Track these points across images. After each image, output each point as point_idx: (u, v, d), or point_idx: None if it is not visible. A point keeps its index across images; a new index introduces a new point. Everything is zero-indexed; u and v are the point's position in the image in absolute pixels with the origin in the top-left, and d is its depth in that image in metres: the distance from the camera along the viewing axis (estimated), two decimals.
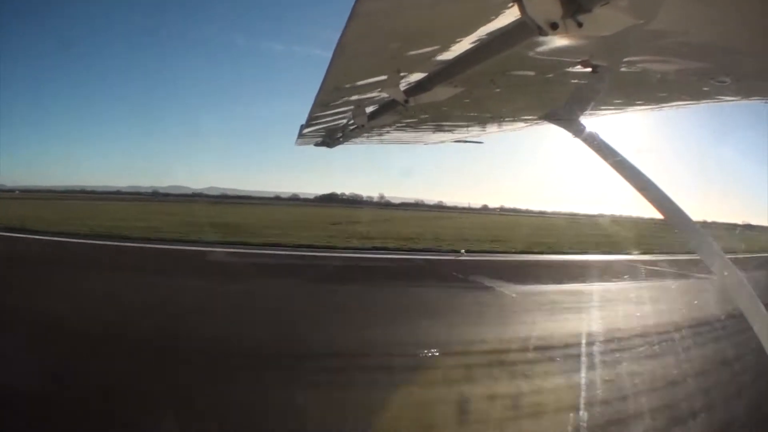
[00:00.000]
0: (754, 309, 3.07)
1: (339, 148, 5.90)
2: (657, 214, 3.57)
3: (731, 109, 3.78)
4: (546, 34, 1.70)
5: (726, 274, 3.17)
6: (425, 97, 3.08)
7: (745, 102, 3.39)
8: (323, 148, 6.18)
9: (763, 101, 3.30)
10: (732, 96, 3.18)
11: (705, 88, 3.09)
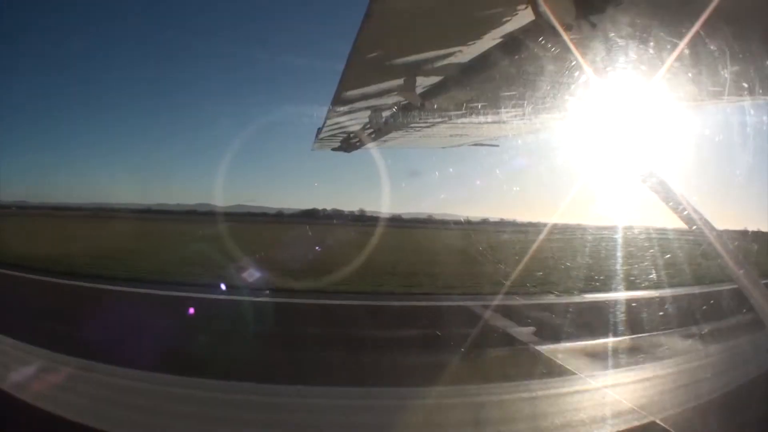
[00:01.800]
0: None
1: (336, 163, 5.92)
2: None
3: (742, 108, 3.72)
4: (560, 36, 1.72)
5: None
6: (441, 100, 3.11)
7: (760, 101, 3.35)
8: (330, 161, 6.21)
9: None
10: (754, 96, 3.14)
11: (722, 89, 3.06)
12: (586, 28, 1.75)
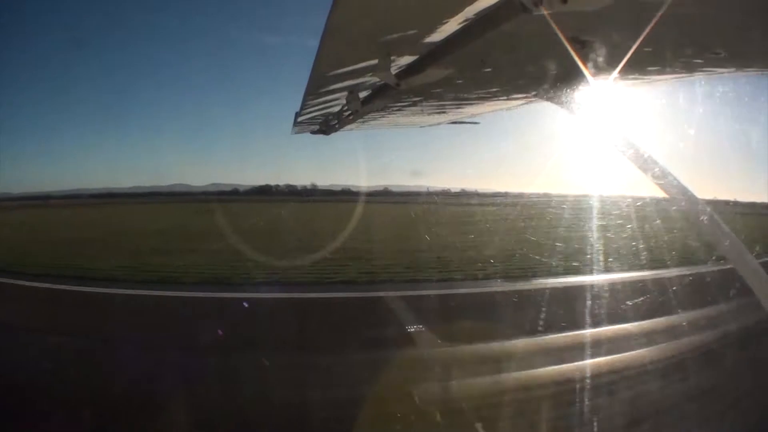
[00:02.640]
0: None
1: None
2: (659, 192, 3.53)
3: (728, 81, 3.74)
4: (530, 11, 1.71)
5: (742, 262, 3.08)
6: (417, 80, 3.08)
7: (740, 74, 3.36)
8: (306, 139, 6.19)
9: (759, 73, 3.27)
10: (727, 68, 3.15)
11: (699, 60, 3.07)
12: (557, 4, 1.73)
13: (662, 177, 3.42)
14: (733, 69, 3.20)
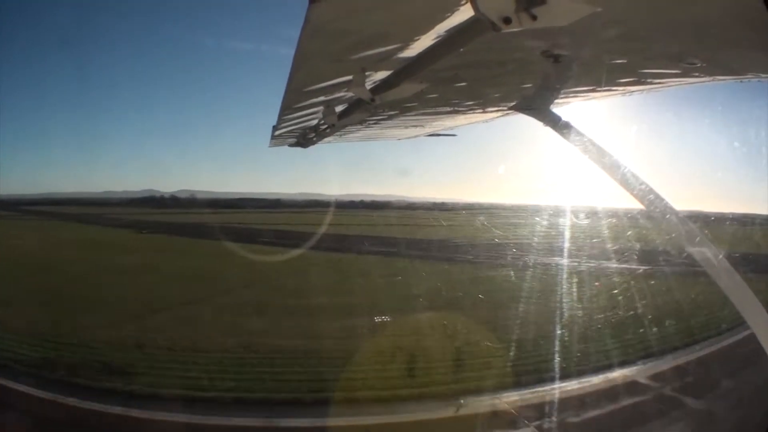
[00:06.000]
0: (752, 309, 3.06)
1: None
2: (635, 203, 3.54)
3: (705, 90, 3.73)
4: (499, 30, 1.70)
5: (720, 270, 3.12)
6: (391, 95, 3.07)
7: (718, 82, 3.36)
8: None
9: (736, 80, 3.28)
10: (704, 76, 3.15)
11: (675, 70, 3.08)
12: (526, 21, 1.73)
13: (638, 187, 3.45)
14: (709, 78, 3.20)
